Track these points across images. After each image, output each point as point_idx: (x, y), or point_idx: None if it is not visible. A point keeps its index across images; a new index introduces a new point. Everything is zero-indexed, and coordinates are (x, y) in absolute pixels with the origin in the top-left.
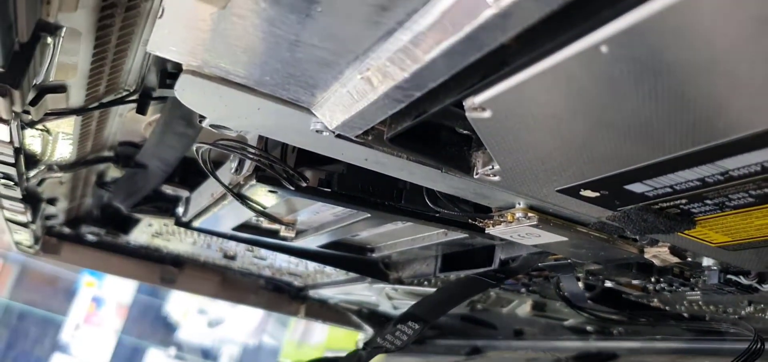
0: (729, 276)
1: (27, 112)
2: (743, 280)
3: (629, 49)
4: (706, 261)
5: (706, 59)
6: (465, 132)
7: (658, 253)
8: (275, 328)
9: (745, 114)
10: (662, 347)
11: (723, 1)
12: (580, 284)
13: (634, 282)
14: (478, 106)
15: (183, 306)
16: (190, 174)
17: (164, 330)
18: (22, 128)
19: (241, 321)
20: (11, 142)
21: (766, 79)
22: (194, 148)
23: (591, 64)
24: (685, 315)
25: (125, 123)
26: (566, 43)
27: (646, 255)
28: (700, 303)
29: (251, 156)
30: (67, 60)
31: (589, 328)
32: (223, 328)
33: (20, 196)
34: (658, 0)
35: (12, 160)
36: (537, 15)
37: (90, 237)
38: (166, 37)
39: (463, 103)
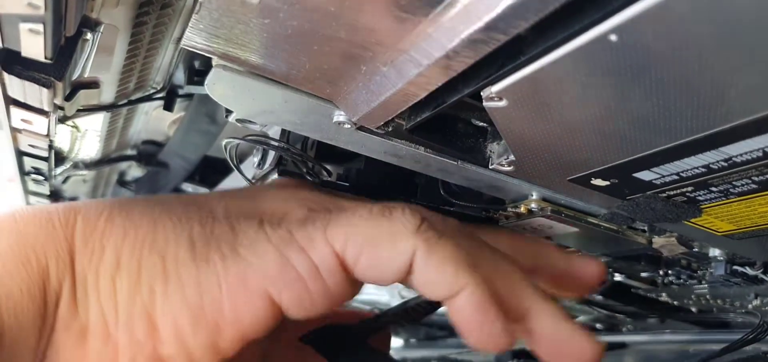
0: (735, 267)
1: (61, 108)
2: (749, 271)
3: (636, 38)
4: (713, 252)
5: (707, 47)
6: (481, 124)
7: (666, 243)
8: None
9: (744, 99)
10: (670, 339)
11: None
12: None
13: (643, 274)
14: (495, 95)
15: None
16: (210, 173)
17: None
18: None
19: None
20: (48, 135)
21: (763, 64)
22: (223, 144)
23: (601, 53)
24: (693, 309)
25: (149, 121)
26: (578, 32)
27: (655, 246)
28: (707, 296)
29: (276, 147)
30: (103, 55)
31: (598, 326)
32: None
33: (47, 193)
34: None
35: (46, 155)
36: (551, 5)
37: None
38: (200, 32)
39: (481, 94)
